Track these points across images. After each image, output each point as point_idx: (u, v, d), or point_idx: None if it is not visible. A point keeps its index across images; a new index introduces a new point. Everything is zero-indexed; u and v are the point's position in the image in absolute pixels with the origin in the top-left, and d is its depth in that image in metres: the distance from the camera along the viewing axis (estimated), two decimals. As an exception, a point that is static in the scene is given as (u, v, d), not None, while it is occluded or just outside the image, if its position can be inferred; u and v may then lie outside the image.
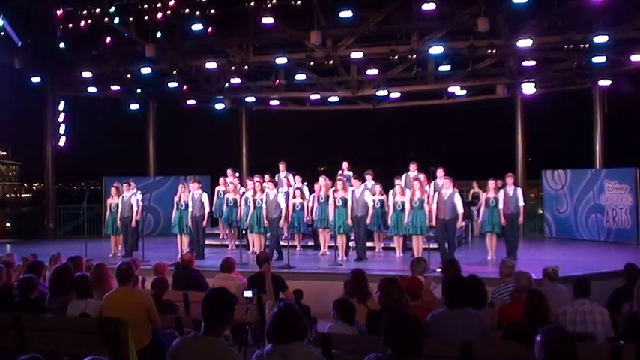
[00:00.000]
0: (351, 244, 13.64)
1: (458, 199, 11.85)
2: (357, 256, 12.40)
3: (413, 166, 13.98)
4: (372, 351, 3.68)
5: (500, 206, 12.28)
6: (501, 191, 12.44)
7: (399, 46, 15.33)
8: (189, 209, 12.81)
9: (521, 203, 12.29)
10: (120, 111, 20.13)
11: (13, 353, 5.56)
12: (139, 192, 13.66)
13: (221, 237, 15.34)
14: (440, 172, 13.15)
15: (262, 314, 7.09)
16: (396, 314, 3.62)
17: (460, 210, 11.82)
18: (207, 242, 15.07)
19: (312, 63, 15.87)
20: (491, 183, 12.58)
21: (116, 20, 14.23)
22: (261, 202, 12.62)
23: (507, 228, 12.33)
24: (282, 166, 15.21)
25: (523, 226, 18.01)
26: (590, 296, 5.83)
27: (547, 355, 3.05)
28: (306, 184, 14.25)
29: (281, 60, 15.72)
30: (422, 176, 13.22)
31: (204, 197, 12.94)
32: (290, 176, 14.89)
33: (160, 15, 13.82)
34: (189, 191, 12.93)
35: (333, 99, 19.75)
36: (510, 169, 18.60)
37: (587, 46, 13.84)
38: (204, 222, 12.99)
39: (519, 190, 12.40)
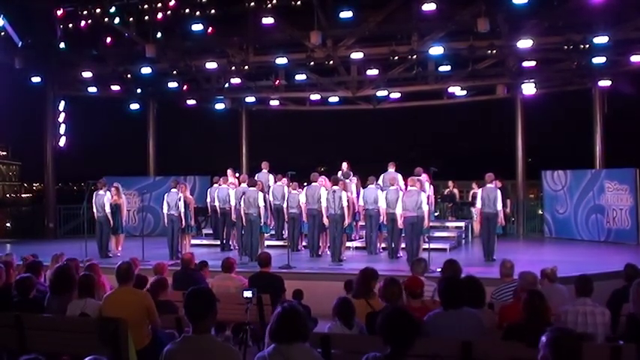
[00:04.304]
0: (352, 244, 13.72)
1: (424, 198, 11.82)
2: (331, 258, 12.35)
3: (391, 165, 13.87)
4: (371, 351, 3.69)
5: (478, 205, 12.23)
6: (479, 190, 12.40)
7: (399, 46, 15.34)
8: (165, 209, 13.05)
9: (500, 207, 11.99)
10: (120, 111, 20.15)
11: (13, 353, 5.57)
12: (108, 192, 13.64)
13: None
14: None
15: (262, 314, 7.10)
16: (391, 312, 3.65)
17: (425, 208, 11.77)
18: (207, 242, 15.20)
19: (312, 63, 15.89)
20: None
21: (116, 20, 14.26)
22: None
23: (483, 228, 12.28)
24: (264, 165, 15.26)
25: (523, 226, 18.20)
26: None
27: (554, 355, 3.06)
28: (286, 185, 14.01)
29: (281, 60, 15.73)
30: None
31: (181, 199, 12.99)
32: (270, 176, 14.87)
33: (160, 15, 13.84)
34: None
35: (334, 99, 19.76)
36: (510, 169, 18.68)
37: (588, 46, 13.85)
38: (182, 223, 13.04)
39: (498, 192, 12.11)
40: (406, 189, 12.32)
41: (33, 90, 17.89)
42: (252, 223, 12.53)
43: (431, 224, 12.60)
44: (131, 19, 14.57)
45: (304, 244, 13.99)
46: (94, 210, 13.49)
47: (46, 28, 15.15)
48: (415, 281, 5.98)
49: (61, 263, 7.10)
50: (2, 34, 14.84)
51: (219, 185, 14.09)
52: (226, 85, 18.25)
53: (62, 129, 18.49)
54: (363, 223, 13.65)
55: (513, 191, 18.47)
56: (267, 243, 13.71)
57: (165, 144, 21.83)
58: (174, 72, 16.74)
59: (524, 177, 18.69)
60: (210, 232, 15.54)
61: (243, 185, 13.11)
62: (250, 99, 19.81)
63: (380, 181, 13.54)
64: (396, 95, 19.09)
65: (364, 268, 6.29)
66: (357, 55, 15.42)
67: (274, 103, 20.17)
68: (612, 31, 13.56)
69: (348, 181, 13.46)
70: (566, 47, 14.22)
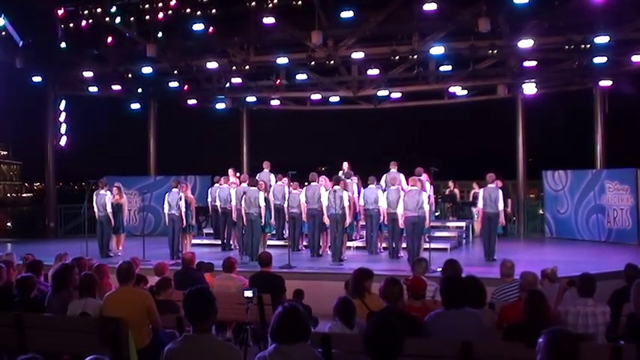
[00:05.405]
0: (352, 244, 13.72)
1: (425, 198, 11.84)
2: (332, 257, 12.37)
3: (393, 165, 13.82)
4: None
5: (480, 205, 12.26)
6: (481, 190, 12.42)
7: (400, 46, 15.33)
8: (166, 209, 13.07)
9: (501, 207, 12.03)
10: (121, 110, 20.17)
11: (13, 353, 5.57)
12: (109, 191, 13.65)
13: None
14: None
15: (263, 314, 7.10)
16: (375, 325, 3.55)
17: (426, 208, 11.80)
18: (208, 242, 15.21)
19: (313, 63, 15.85)
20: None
21: (117, 20, 14.26)
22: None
23: (484, 228, 12.31)
24: (265, 165, 15.27)
25: (524, 226, 18.21)
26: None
27: (551, 356, 3.06)
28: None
29: (282, 60, 15.73)
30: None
31: (182, 198, 13.00)
32: (272, 176, 14.87)
33: (161, 15, 13.85)
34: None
35: (334, 99, 19.74)
36: (511, 169, 18.68)
37: (588, 46, 13.84)
38: (183, 222, 13.08)
39: (500, 192, 12.16)
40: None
41: (34, 89, 17.92)
42: (252, 222, 12.55)
43: (432, 224, 12.62)
44: (132, 18, 14.57)
45: (305, 243, 13.99)
46: (95, 209, 13.50)
47: (47, 27, 15.16)
48: (418, 282, 5.98)
49: (64, 262, 7.09)
50: (3, 33, 14.84)
51: (220, 185, 14.09)
52: (227, 84, 18.23)
53: (63, 128, 18.50)
54: (364, 223, 13.65)
55: (514, 191, 18.47)
56: (267, 243, 13.72)
57: (165, 143, 21.84)
58: (175, 72, 16.73)
59: (524, 177, 18.68)
60: (211, 231, 15.54)
61: (244, 185, 13.14)
62: (251, 99, 19.80)
63: (382, 181, 13.55)
64: (396, 95, 19.07)
65: (357, 269, 6.29)
66: (357, 55, 15.42)
67: (275, 102, 20.15)
68: (613, 32, 13.55)
69: (349, 180, 13.47)
70: (567, 47, 14.21)
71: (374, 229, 12.99)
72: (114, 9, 13.96)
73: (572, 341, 3.15)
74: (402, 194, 12.13)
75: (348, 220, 12.63)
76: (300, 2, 13.25)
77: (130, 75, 16.86)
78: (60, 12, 14.28)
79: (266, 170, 15.20)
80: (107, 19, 14.18)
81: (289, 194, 13.33)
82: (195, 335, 3.80)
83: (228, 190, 13.68)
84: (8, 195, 71.65)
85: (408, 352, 3.57)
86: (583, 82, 17.49)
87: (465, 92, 18.80)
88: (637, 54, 14.58)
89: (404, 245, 12.60)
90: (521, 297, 5.60)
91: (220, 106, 20.20)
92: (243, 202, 12.67)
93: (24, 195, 69.88)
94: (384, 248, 13.37)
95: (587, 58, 14.92)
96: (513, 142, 18.64)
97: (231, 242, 14.28)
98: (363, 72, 17.58)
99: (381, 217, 12.70)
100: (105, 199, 13.39)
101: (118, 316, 5.42)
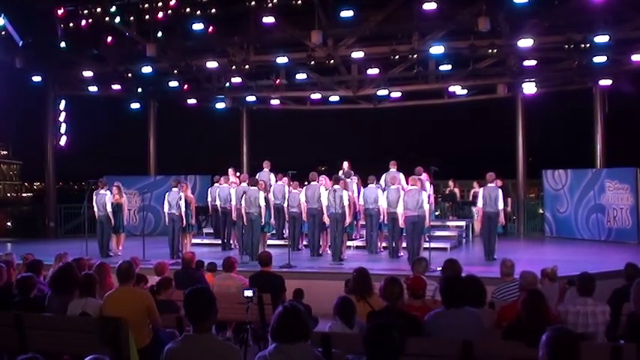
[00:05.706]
0: (352, 243, 13.72)
1: (425, 197, 11.85)
2: (332, 256, 12.37)
3: (393, 164, 13.81)
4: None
5: (480, 204, 12.28)
6: (481, 189, 12.43)
7: (400, 45, 15.33)
8: (166, 208, 13.09)
9: (501, 206, 12.06)
10: (121, 110, 20.19)
11: (13, 353, 5.57)
12: (109, 191, 13.64)
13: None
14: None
15: (263, 314, 7.11)
16: (374, 328, 3.53)
17: (426, 207, 11.82)
18: (208, 242, 15.21)
19: (312, 62, 15.86)
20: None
21: (117, 19, 14.28)
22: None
23: (484, 228, 12.32)
24: (265, 164, 15.27)
25: (524, 226, 18.21)
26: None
27: (551, 355, 3.07)
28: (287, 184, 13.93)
29: (282, 59, 15.73)
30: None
31: (182, 198, 13.01)
32: (272, 175, 14.88)
33: (160, 14, 13.86)
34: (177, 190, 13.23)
35: (334, 98, 19.74)
36: (511, 168, 18.68)
37: (588, 45, 13.84)
38: (183, 222, 13.10)
39: (500, 191, 12.18)
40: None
41: (34, 89, 17.92)
42: (252, 222, 12.55)
43: (432, 223, 12.62)
44: (132, 18, 14.60)
45: (305, 243, 14.00)
46: (95, 209, 13.50)
47: (47, 27, 15.15)
48: (418, 281, 5.98)
49: (64, 262, 7.09)
50: (3, 33, 14.85)
51: (220, 184, 14.09)
52: (227, 84, 18.24)
53: (63, 128, 18.51)
54: (364, 223, 13.66)
55: (514, 190, 18.47)
56: (267, 242, 13.72)
57: (165, 143, 21.84)
58: (175, 71, 16.74)
59: (524, 176, 18.68)
60: (211, 231, 15.55)
61: (244, 184, 13.14)
62: (251, 98, 19.79)
63: (382, 181, 13.55)
64: (396, 94, 19.07)
65: (359, 269, 6.26)
66: (357, 55, 15.42)
67: (275, 102, 20.15)
68: (613, 31, 13.55)
69: (349, 180, 13.47)
70: (566, 46, 14.21)
71: (374, 228, 12.99)
72: (114, 9, 13.97)
73: (574, 339, 3.16)
74: (402, 194, 12.13)
75: (348, 220, 12.63)
76: (299, 2, 13.26)
77: (129, 75, 16.87)
78: (60, 12, 14.29)
79: (266, 170, 15.21)
80: (107, 18, 14.20)
81: (289, 194, 13.33)
82: (195, 335, 3.81)
83: (228, 190, 13.68)
84: (8, 195, 71.65)
85: (408, 352, 3.56)
86: (583, 81, 17.49)
87: (465, 91, 18.80)
88: (637, 53, 14.57)
89: (404, 245, 12.60)
90: (521, 296, 5.59)
91: (220, 105, 20.19)
92: (243, 202, 12.67)
93: (24, 195, 69.86)
94: (384, 248, 13.37)
95: (587, 58, 14.93)
96: (513, 142, 18.64)
97: (231, 242, 14.28)
98: (362, 71, 17.58)
99: (381, 217, 12.70)
100: (105, 198, 13.39)
101: (118, 315, 5.42)
